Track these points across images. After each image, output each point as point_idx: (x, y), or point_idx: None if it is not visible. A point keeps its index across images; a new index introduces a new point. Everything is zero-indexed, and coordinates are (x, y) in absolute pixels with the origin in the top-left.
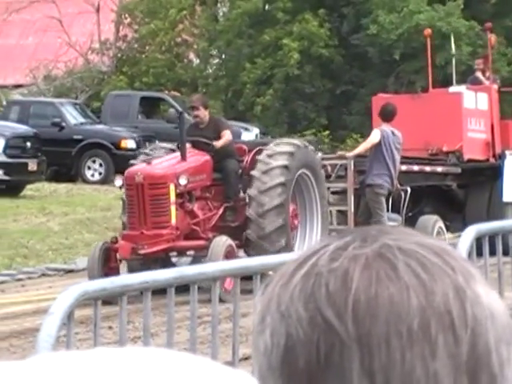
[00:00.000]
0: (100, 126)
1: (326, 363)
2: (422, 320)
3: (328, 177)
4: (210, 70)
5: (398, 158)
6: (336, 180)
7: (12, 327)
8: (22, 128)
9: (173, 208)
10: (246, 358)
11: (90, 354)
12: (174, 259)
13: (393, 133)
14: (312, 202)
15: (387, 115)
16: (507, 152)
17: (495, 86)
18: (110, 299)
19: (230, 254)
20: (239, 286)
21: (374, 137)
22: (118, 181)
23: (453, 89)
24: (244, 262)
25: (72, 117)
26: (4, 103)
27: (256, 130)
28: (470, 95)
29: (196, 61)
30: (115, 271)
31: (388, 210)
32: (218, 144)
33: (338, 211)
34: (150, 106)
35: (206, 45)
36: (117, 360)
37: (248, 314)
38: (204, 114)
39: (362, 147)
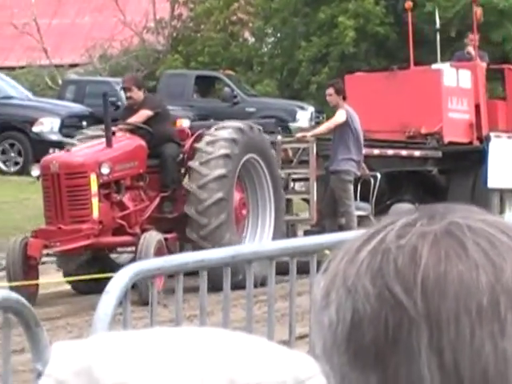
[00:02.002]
0: None
1: (393, 339)
2: (492, 297)
3: (290, 162)
4: (265, 49)
5: (362, 140)
6: (298, 166)
7: (67, 306)
8: (78, 107)
9: (94, 200)
10: (302, 337)
11: (148, 335)
12: (113, 256)
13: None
14: (264, 188)
15: (345, 92)
16: (492, 134)
17: (483, 64)
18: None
19: (159, 251)
20: (295, 265)
21: (340, 117)
22: (35, 170)
23: (435, 66)
24: (300, 240)
25: None
26: (60, 82)
27: (311, 109)
28: (451, 72)
29: (251, 39)
30: (35, 270)
31: (356, 199)
32: (122, 125)
33: (304, 200)
34: (205, 85)
35: (262, 23)
36: (175, 340)
37: (304, 292)
38: (138, 94)
39: (325, 127)
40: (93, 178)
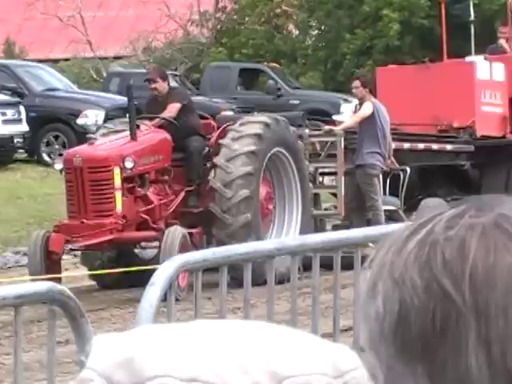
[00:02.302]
0: (199, 98)
1: (441, 331)
2: None
3: (317, 155)
4: (310, 41)
5: (389, 134)
6: (326, 159)
7: (112, 297)
8: (122, 99)
9: (118, 194)
10: (346, 330)
11: (190, 327)
12: (137, 251)
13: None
14: (290, 182)
15: (372, 85)
16: None
17: None
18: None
19: (184, 246)
20: (339, 258)
21: (366, 109)
22: (58, 164)
23: (469, 58)
24: (345, 233)
25: None
26: (104, 75)
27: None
28: (485, 65)
29: (295, 32)
30: (57, 265)
31: (385, 193)
32: (156, 121)
33: (332, 194)
34: (249, 78)
35: (306, 16)
36: (217, 332)
37: (348, 285)
38: (162, 86)
39: (352, 120)
40: (116, 171)
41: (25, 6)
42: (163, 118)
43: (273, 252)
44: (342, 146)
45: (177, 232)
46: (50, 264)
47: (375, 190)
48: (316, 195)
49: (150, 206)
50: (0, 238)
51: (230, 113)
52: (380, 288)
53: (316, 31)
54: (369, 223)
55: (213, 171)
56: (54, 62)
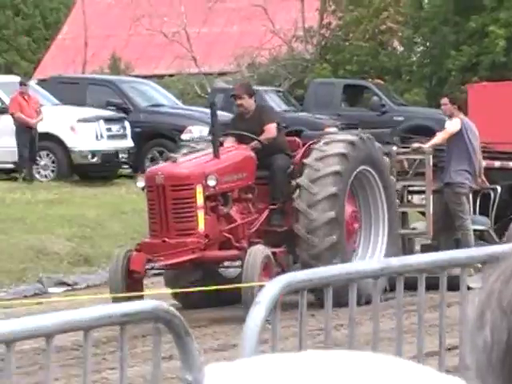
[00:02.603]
0: (303, 114)
1: None
2: None
3: (405, 173)
4: (415, 58)
5: (479, 150)
6: (415, 178)
7: (211, 315)
8: (227, 116)
9: (200, 213)
10: (451, 349)
11: (296, 359)
12: (220, 270)
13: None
14: (377, 201)
15: (461, 102)
16: None
17: None
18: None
19: (267, 267)
20: (445, 279)
21: (454, 126)
22: (140, 182)
23: None
24: (449, 254)
25: (275, 104)
26: (209, 90)
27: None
28: None
29: (400, 48)
30: (139, 284)
31: (475, 213)
32: (256, 143)
33: (420, 212)
34: (354, 94)
35: (411, 32)
36: (322, 365)
37: (453, 303)
38: (249, 103)
39: (440, 137)
40: (199, 189)
41: (131, 22)
42: (258, 140)
43: (377, 272)
44: (431, 163)
45: (259, 251)
46: (131, 283)
47: (464, 209)
48: (404, 214)
49: (232, 225)
50: (104, 252)
51: (334, 129)
52: (488, 317)
53: (421, 47)
54: (458, 243)
55: (297, 191)
56: (158, 78)
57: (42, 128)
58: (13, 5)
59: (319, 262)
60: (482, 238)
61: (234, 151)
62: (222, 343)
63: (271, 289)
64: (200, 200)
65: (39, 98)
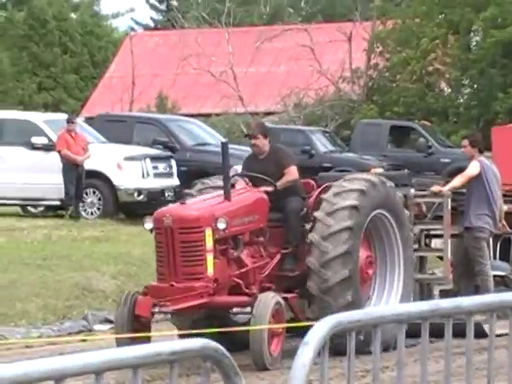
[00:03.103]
0: (349, 155)
1: None
2: None
3: (423, 217)
4: (462, 100)
5: (500, 194)
6: (433, 221)
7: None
8: None
9: (209, 256)
10: None
11: None
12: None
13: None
14: (393, 247)
15: (482, 145)
16: None
17: None
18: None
19: (277, 313)
20: (495, 321)
21: (473, 169)
22: (149, 223)
23: None
24: (500, 296)
25: (322, 144)
26: None
27: None
28: None
29: (447, 90)
30: (146, 328)
31: (495, 258)
32: (280, 184)
33: (438, 257)
34: (400, 135)
35: (458, 74)
36: None
37: (500, 347)
38: (263, 143)
39: (459, 181)
40: (208, 233)
41: (178, 61)
42: (274, 185)
43: (426, 314)
44: (449, 207)
45: (269, 298)
46: (138, 326)
47: (484, 255)
48: (422, 258)
49: (243, 270)
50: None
51: (380, 170)
52: None
53: (468, 89)
54: (477, 289)
55: (312, 227)
56: (205, 117)
57: (88, 166)
58: (61, 43)
59: (329, 297)
60: (501, 283)
61: (245, 193)
62: (268, 382)
63: (319, 329)
64: (209, 243)
65: (86, 135)
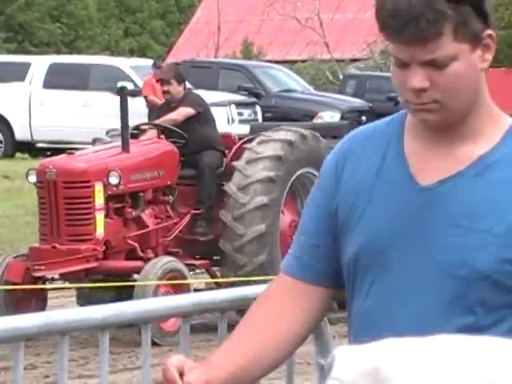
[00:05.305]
0: None
1: None
2: None
3: None
4: None
5: None
6: None
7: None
8: (358, 102)
9: (99, 215)
10: None
11: (428, 342)
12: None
13: None
14: None
15: None
16: None
17: None
18: None
19: (172, 280)
20: None
21: None
22: (33, 176)
23: None
24: None
25: None
26: (341, 77)
27: None
28: None
29: None
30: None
31: None
32: (158, 121)
33: None
34: None
35: None
36: (448, 348)
37: None
38: (177, 89)
39: None
40: (98, 188)
41: (264, 7)
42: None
43: None
44: None
45: (160, 263)
46: (21, 292)
47: None
48: None
49: (142, 231)
50: None
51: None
52: None
53: None
54: None
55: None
56: (290, 64)
57: None
58: None
59: (244, 256)
60: None
61: (150, 145)
62: None
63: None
64: (99, 200)
65: None
